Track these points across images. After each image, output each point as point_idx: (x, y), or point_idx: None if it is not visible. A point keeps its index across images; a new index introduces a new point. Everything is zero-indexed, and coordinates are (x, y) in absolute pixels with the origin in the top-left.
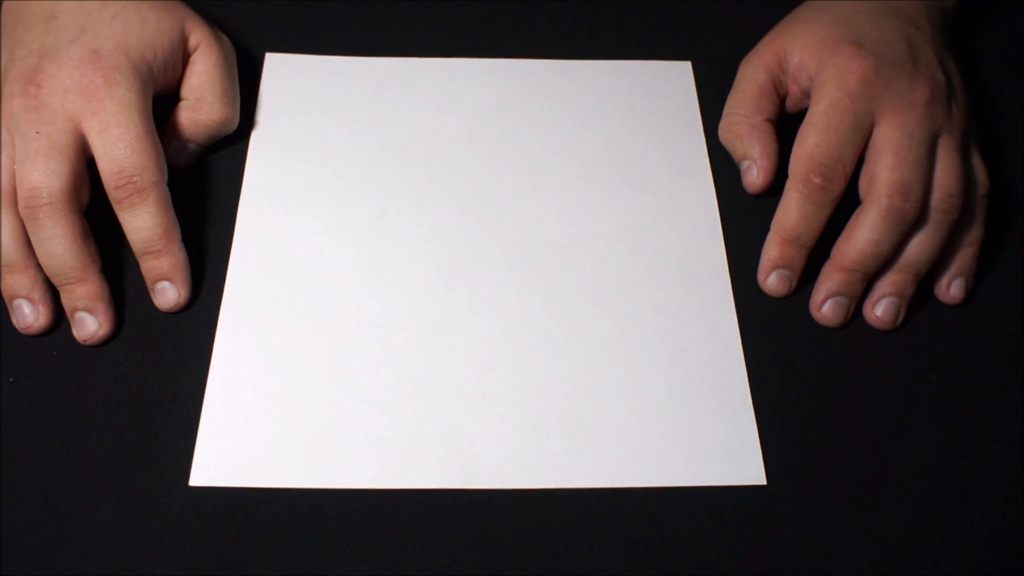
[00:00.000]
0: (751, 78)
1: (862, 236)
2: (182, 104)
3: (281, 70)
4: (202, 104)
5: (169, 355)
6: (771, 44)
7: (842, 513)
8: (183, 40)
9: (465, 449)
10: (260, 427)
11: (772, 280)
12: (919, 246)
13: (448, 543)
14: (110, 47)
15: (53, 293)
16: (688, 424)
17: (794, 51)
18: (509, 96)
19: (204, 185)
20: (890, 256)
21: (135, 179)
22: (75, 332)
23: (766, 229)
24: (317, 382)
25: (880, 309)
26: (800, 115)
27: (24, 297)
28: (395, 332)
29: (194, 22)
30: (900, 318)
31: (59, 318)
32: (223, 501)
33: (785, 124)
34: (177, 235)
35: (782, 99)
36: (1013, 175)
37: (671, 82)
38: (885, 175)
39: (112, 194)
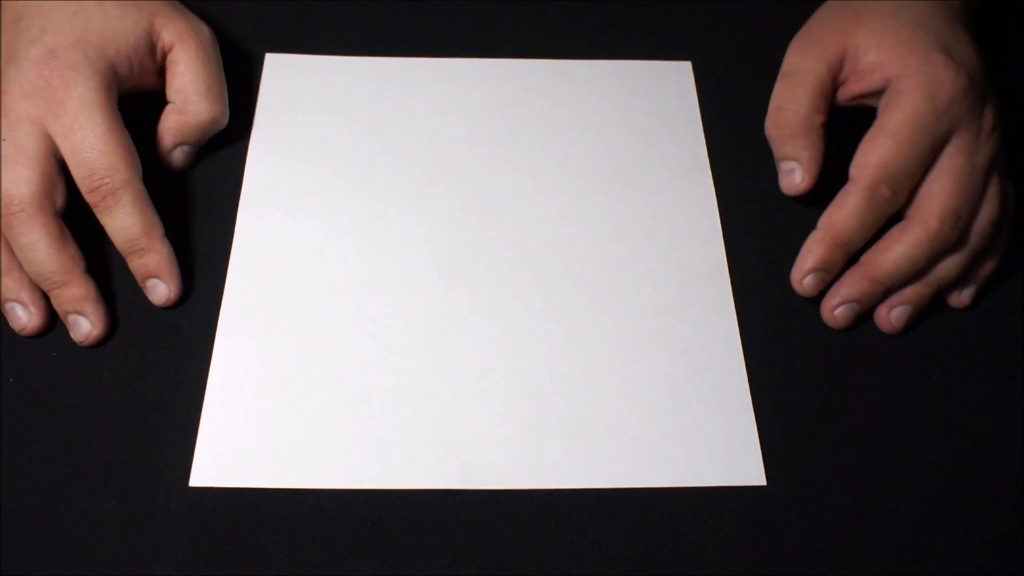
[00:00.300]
0: (811, 72)
1: (900, 253)
2: (169, 107)
3: (281, 70)
4: (188, 105)
5: (169, 355)
6: (837, 37)
7: (842, 513)
8: (151, 36)
9: (465, 449)
10: (260, 427)
11: (809, 281)
12: (950, 265)
13: (448, 543)
14: (67, 44)
15: (44, 292)
16: (688, 424)
17: (870, 49)
18: (509, 96)
19: (204, 185)
20: (920, 275)
21: (106, 181)
22: (71, 334)
23: (766, 229)
24: (317, 382)
25: (895, 315)
26: (846, 108)
27: (14, 300)
28: (395, 332)
29: (165, 18)
30: (908, 325)
31: (55, 317)
32: (223, 501)
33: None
34: (159, 231)
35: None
36: (1013, 175)
37: (671, 82)
38: (941, 199)
39: (87, 198)
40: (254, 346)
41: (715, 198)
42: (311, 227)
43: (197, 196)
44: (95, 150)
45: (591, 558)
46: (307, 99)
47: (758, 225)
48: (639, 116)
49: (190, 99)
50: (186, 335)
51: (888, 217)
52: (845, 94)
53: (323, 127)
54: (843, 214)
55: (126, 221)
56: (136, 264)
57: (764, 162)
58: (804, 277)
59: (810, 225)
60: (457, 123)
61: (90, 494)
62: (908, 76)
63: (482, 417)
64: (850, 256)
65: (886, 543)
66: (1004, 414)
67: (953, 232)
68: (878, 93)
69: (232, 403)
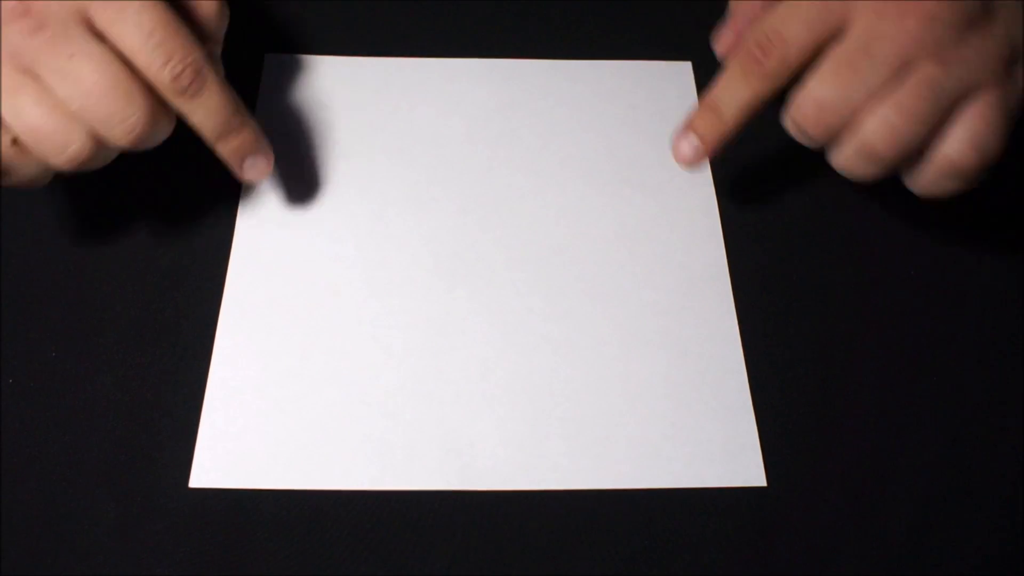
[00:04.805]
0: None
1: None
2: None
3: (281, 70)
4: (201, 2)
5: (169, 355)
6: None
7: (842, 514)
8: None
9: (465, 450)
10: (260, 428)
11: (684, 146)
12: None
13: (448, 544)
14: None
15: None
16: (688, 425)
17: None
18: (509, 96)
19: (203, 185)
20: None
21: (190, 61)
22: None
23: (767, 230)
24: (317, 383)
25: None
26: None
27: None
28: (395, 333)
29: None
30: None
31: (54, 317)
32: (223, 503)
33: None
34: (244, 106)
35: None
36: (1012, 174)
37: (671, 82)
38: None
39: (169, 87)
40: (254, 346)
41: (715, 198)
42: (311, 227)
43: (197, 196)
44: (166, 29)
45: (591, 558)
46: (307, 99)
47: (758, 225)
48: (639, 116)
49: None
50: (186, 335)
51: (761, 82)
52: None
53: (323, 127)
54: (717, 77)
55: (217, 103)
56: (233, 147)
57: (764, 162)
58: (678, 141)
59: (811, 225)
60: (457, 123)
61: (90, 494)
62: None
63: (482, 418)
64: (726, 127)
65: (886, 543)
66: (1004, 414)
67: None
68: None
69: (232, 403)
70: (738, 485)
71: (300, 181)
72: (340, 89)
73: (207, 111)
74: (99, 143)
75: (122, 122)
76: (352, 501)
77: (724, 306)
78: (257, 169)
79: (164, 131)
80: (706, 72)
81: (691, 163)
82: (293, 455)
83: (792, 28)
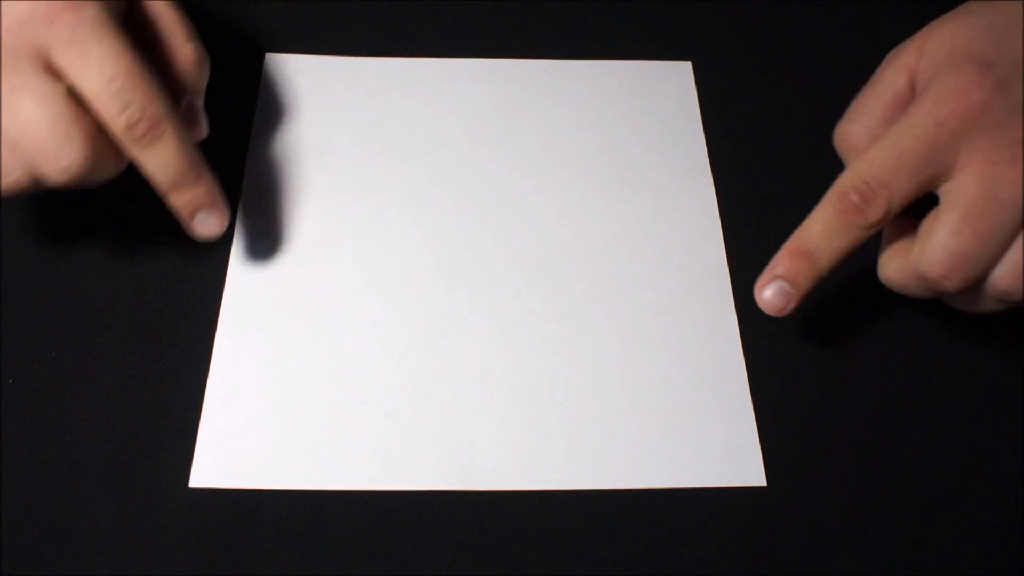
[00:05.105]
0: (889, 81)
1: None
2: (165, 69)
3: (281, 70)
4: (179, 51)
5: (169, 355)
6: (917, 41)
7: (842, 514)
8: None
9: (465, 450)
10: (260, 428)
11: (769, 293)
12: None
13: (448, 544)
14: None
15: None
16: (688, 425)
17: (926, 55)
18: (509, 96)
19: None
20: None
21: (148, 110)
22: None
23: (766, 230)
24: (317, 383)
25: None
26: None
27: None
28: (395, 333)
29: None
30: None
31: (54, 318)
32: (223, 503)
33: None
34: (203, 159)
35: None
36: None
37: (671, 82)
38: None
39: (123, 136)
40: (254, 346)
41: (715, 199)
42: (311, 227)
43: None
44: (129, 78)
45: (591, 559)
46: (307, 99)
47: (758, 225)
48: (639, 116)
49: (176, 44)
50: (186, 335)
51: (860, 230)
52: None
53: (323, 127)
54: (809, 220)
55: (172, 154)
56: (185, 199)
57: (764, 162)
58: (764, 287)
59: None
60: (457, 123)
61: (90, 495)
62: (931, 85)
63: (482, 418)
64: (819, 272)
65: (886, 543)
66: (1004, 414)
67: (951, 284)
68: None
69: (232, 404)
70: (738, 485)
71: (300, 181)
72: (340, 89)
73: (160, 162)
74: (35, 177)
75: (56, 161)
76: (352, 501)
77: (724, 306)
78: (208, 225)
79: (107, 173)
80: (706, 72)
81: (780, 311)
82: (293, 455)
83: (896, 177)
